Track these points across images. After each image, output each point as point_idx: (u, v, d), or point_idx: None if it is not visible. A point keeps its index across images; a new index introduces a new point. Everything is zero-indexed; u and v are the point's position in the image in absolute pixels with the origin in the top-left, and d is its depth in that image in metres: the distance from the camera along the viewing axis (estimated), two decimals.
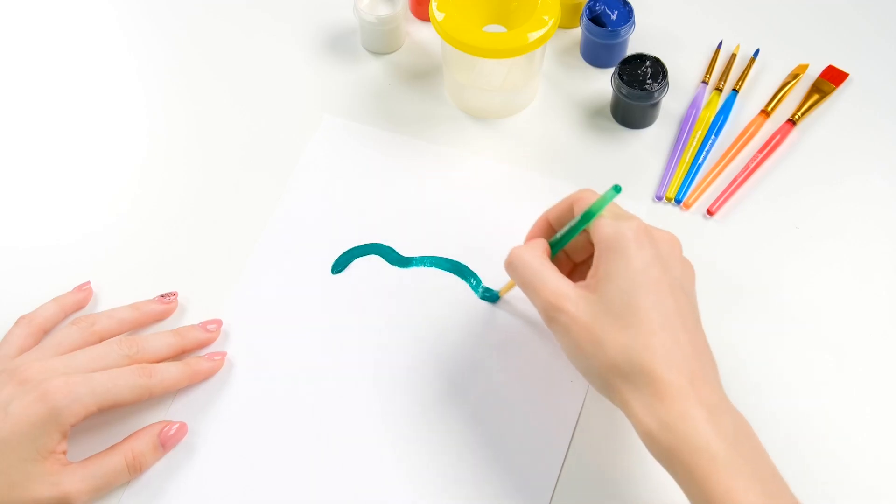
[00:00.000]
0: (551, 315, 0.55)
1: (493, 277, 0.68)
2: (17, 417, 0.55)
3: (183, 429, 0.61)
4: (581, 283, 0.56)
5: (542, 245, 0.59)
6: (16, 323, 0.63)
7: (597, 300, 0.53)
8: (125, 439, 0.60)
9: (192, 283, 0.68)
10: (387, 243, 0.70)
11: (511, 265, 0.58)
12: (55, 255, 0.70)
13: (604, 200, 0.56)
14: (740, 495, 0.48)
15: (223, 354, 0.64)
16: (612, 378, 0.53)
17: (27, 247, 0.71)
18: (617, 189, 0.55)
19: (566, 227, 0.59)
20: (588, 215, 0.56)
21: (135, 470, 0.59)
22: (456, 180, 0.74)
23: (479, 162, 0.75)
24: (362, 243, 0.70)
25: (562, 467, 0.61)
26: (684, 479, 0.50)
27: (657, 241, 0.55)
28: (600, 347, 0.53)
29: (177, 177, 0.74)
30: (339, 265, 0.69)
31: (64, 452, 0.57)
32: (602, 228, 0.55)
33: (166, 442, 0.60)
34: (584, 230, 0.57)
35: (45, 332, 0.64)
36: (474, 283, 0.68)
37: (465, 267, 0.69)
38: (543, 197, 0.72)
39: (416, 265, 0.69)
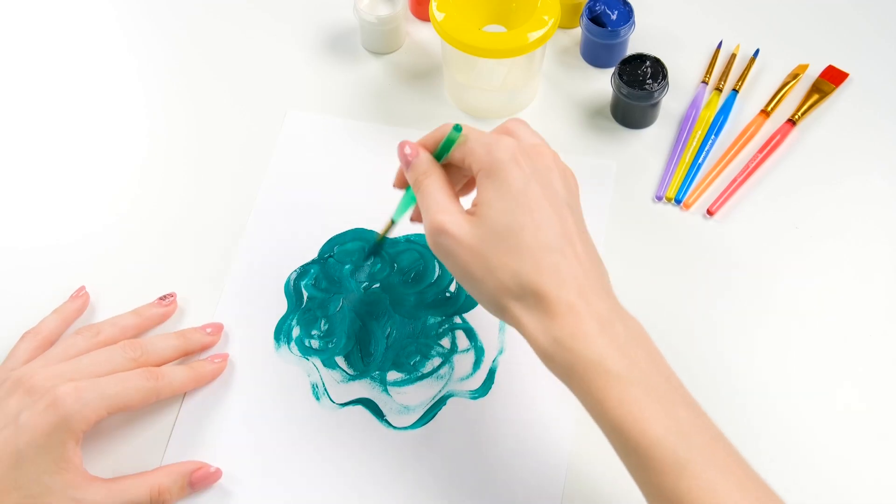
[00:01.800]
0: (436, 238, 0.54)
1: None
2: (29, 428, 0.54)
3: (217, 474, 0.60)
4: (467, 210, 0.55)
5: (430, 160, 0.58)
6: (21, 338, 0.63)
7: (481, 224, 0.53)
8: (154, 470, 0.59)
9: (190, 283, 0.68)
10: (367, 227, 0.71)
11: (414, 168, 0.57)
12: (53, 255, 0.70)
13: (453, 135, 0.56)
14: (633, 405, 0.48)
15: (225, 356, 0.64)
16: (504, 300, 0.52)
17: (25, 247, 0.71)
18: (457, 128, 0.55)
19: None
20: (448, 142, 0.56)
21: None
22: None
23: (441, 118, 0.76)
24: (343, 230, 0.71)
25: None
26: (581, 393, 0.50)
27: (533, 157, 0.54)
28: (489, 271, 0.52)
29: (176, 177, 0.74)
30: (324, 253, 0.70)
31: (81, 462, 0.56)
32: (477, 155, 0.54)
33: (197, 483, 0.59)
34: (461, 164, 0.57)
35: (51, 343, 0.63)
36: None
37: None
38: None
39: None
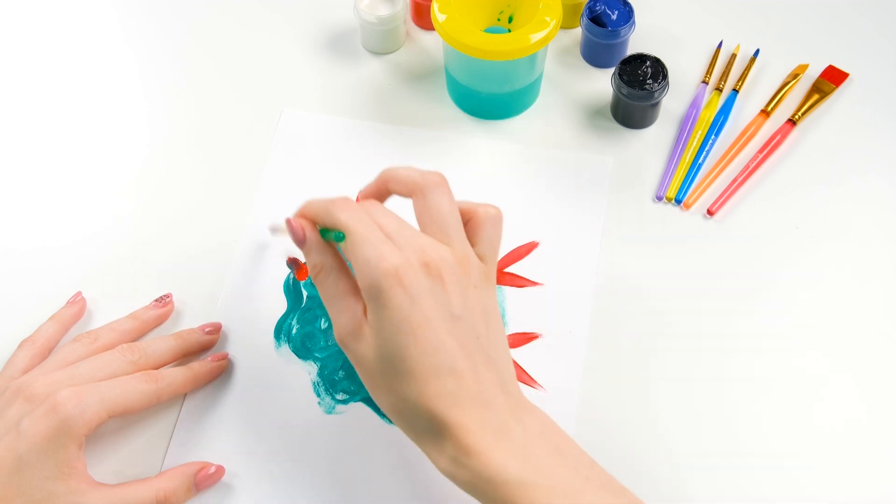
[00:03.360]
0: (341, 344, 0.53)
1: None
2: (31, 434, 0.54)
3: (220, 471, 0.60)
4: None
5: (323, 250, 0.55)
6: (19, 346, 0.63)
7: (371, 347, 0.51)
8: (159, 475, 0.59)
9: (189, 284, 0.68)
10: None
11: (309, 255, 0.55)
12: (50, 257, 0.70)
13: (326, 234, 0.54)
14: None
15: (224, 356, 0.65)
16: (399, 421, 0.52)
17: (22, 250, 0.70)
18: (339, 236, 0.53)
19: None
20: (331, 235, 0.54)
21: None
22: (422, 158, 0.75)
23: (438, 135, 0.76)
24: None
25: None
26: None
27: (417, 271, 0.50)
28: (384, 392, 0.52)
29: (175, 177, 0.74)
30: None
31: (85, 467, 0.56)
32: (359, 272, 0.51)
33: (201, 483, 0.59)
34: None
35: (49, 350, 0.63)
36: None
37: None
38: (519, 166, 0.74)
39: None
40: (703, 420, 0.63)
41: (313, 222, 0.56)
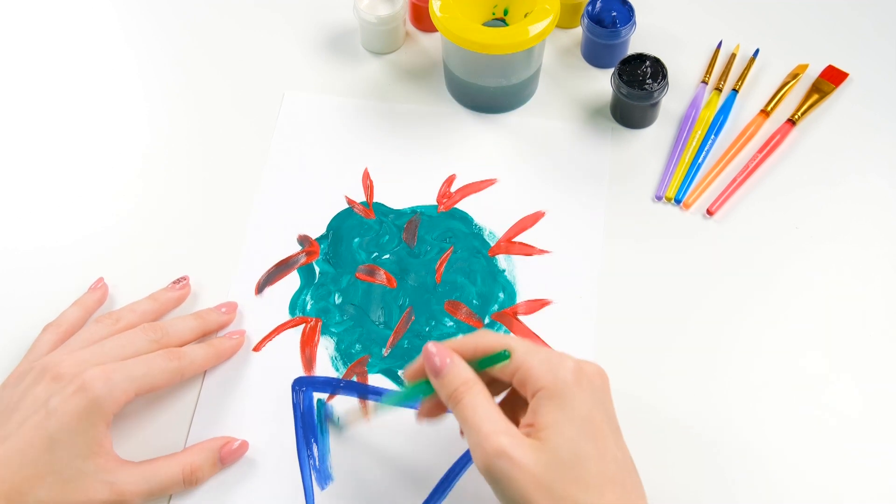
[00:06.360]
0: (495, 461, 0.49)
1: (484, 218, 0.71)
2: (60, 413, 0.54)
3: (244, 446, 0.61)
4: (522, 430, 0.51)
5: (468, 369, 0.52)
6: (43, 330, 0.63)
7: (546, 450, 0.49)
8: (184, 450, 0.59)
9: (203, 267, 0.69)
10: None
11: (450, 378, 0.52)
12: (66, 252, 0.70)
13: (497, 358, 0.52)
14: None
15: (242, 333, 0.65)
16: None
17: (33, 247, 0.71)
18: (506, 354, 0.52)
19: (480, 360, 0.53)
20: (494, 360, 0.52)
21: (190, 483, 0.58)
22: (426, 135, 0.76)
23: (440, 111, 0.77)
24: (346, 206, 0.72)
25: None
26: None
27: (590, 377, 0.51)
28: (551, 499, 0.48)
29: (179, 175, 0.74)
30: (331, 229, 0.71)
31: (111, 445, 0.57)
32: (537, 375, 0.51)
33: (226, 458, 0.60)
34: (506, 378, 0.53)
35: (72, 335, 0.63)
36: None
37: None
38: (518, 165, 0.75)
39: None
40: (701, 420, 0.63)
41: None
